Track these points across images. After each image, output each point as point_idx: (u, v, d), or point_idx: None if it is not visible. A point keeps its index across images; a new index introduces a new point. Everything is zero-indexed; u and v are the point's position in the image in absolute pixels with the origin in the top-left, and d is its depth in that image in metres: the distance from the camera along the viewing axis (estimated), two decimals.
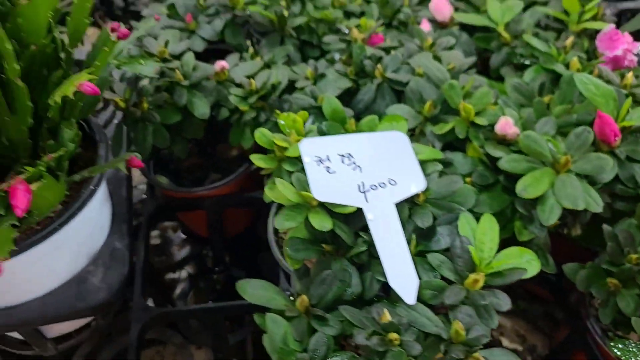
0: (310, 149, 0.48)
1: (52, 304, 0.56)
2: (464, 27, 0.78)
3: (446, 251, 0.47)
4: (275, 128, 0.63)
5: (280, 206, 0.65)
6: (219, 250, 0.77)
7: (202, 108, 0.62)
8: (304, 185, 0.47)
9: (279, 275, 0.61)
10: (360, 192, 0.46)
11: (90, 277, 0.58)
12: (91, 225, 0.58)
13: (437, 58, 0.63)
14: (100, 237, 0.61)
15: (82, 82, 0.37)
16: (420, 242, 0.47)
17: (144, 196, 0.93)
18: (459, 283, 0.43)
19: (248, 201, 0.71)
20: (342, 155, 0.48)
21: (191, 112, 0.63)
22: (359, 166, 0.48)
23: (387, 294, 0.46)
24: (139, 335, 0.55)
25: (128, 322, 0.74)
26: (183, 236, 0.85)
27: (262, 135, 0.51)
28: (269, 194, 0.48)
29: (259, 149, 0.67)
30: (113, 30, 0.49)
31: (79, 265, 0.58)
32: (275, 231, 0.62)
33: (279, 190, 0.47)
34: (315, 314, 0.44)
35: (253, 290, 0.45)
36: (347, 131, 0.56)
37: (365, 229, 0.48)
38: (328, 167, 0.47)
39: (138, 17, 1.32)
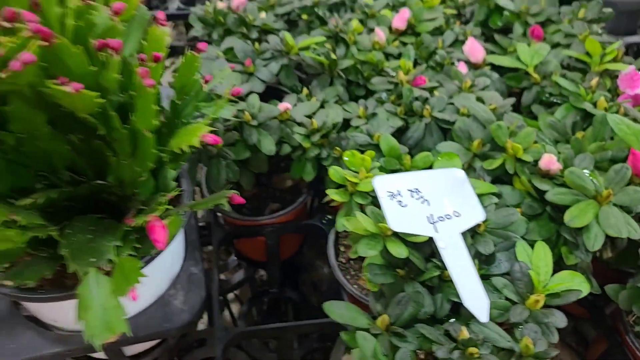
0: (383, 185, 0.55)
1: (141, 324, 0.61)
2: (493, 67, 0.86)
3: (505, 275, 0.53)
4: (335, 163, 0.70)
5: (338, 233, 0.71)
6: (274, 273, 0.83)
7: (269, 145, 0.69)
8: (378, 217, 0.54)
9: (341, 296, 0.67)
10: (430, 223, 0.52)
11: (172, 300, 0.64)
12: (173, 253, 0.65)
13: (479, 99, 0.70)
14: (178, 263, 0.67)
15: (204, 133, 0.44)
16: (482, 266, 0.53)
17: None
18: (521, 303, 0.50)
19: (304, 228, 0.77)
20: (411, 191, 0.55)
21: (259, 149, 0.70)
22: (426, 200, 0.54)
23: (456, 313, 0.52)
24: (223, 353, 0.60)
25: (189, 342, 0.80)
26: (235, 259, 0.91)
27: (335, 172, 0.58)
28: (347, 225, 0.54)
29: (316, 182, 0.74)
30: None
31: (161, 290, 0.64)
32: (336, 256, 0.69)
33: (357, 221, 0.53)
34: (394, 331, 0.50)
35: (338, 310, 0.51)
36: (404, 167, 0.63)
37: (433, 255, 0.54)
38: (400, 201, 0.54)
39: (175, 53, 1.40)
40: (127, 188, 0.54)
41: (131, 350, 0.69)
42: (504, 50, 0.91)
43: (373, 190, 0.58)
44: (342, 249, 0.71)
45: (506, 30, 0.98)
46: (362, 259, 0.69)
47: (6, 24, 0.40)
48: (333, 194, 0.57)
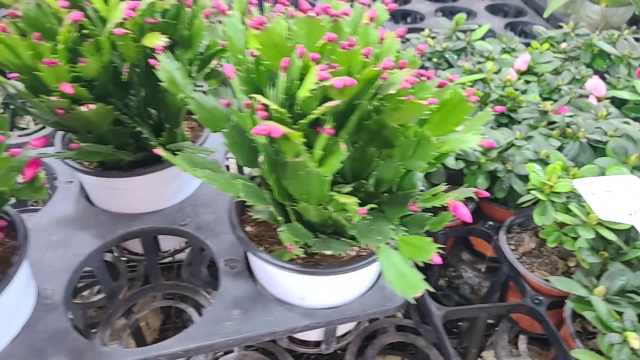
0: (583, 186, 0.69)
1: (367, 303, 0.74)
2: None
3: None
4: (508, 175, 0.84)
5: (507, 231, 0.85)
6: (434, 272, 0.95)
7: (451, 160, 0.84)
8: (580, 211, 0.68)
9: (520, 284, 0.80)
10: (629, 214, 0.66)
11: (386, 286, 0.77)
12: None
13: (626, 123, 0.86)
14: None
15: (481, 139, 0.59)
16: None
17: None
18: None
19: (469, 232, 0.91)
20: (605, 190, 0.69)
21: (442, 163, 0.84)
22: (619, 197, 0.69)
23: None
24: (442, 326, 0.73)
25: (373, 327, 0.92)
26: None
27: (535, 177, 0.73)
28: (557, 217, 0.68)
29: None
30: None
31: (376, 276, 0.77)
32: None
33: (563, 215, 0.67)
34: (610, 299, 0.63)
35: (563, 283, 0.65)
36: (574, 176, 0.78)
37: (627, 240, 0.68)
38: (599, 197, 0.68)
39: None
40: (382, 186, 0.68)
41: (340, 330, 0.81)
42: (613, 87, 1.07)
43: (564, 192, 0.72)
44: (512, 247, 0.85)
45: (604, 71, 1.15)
46: (531, 255, 0.83)
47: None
48: (536, 194, 0.72)
